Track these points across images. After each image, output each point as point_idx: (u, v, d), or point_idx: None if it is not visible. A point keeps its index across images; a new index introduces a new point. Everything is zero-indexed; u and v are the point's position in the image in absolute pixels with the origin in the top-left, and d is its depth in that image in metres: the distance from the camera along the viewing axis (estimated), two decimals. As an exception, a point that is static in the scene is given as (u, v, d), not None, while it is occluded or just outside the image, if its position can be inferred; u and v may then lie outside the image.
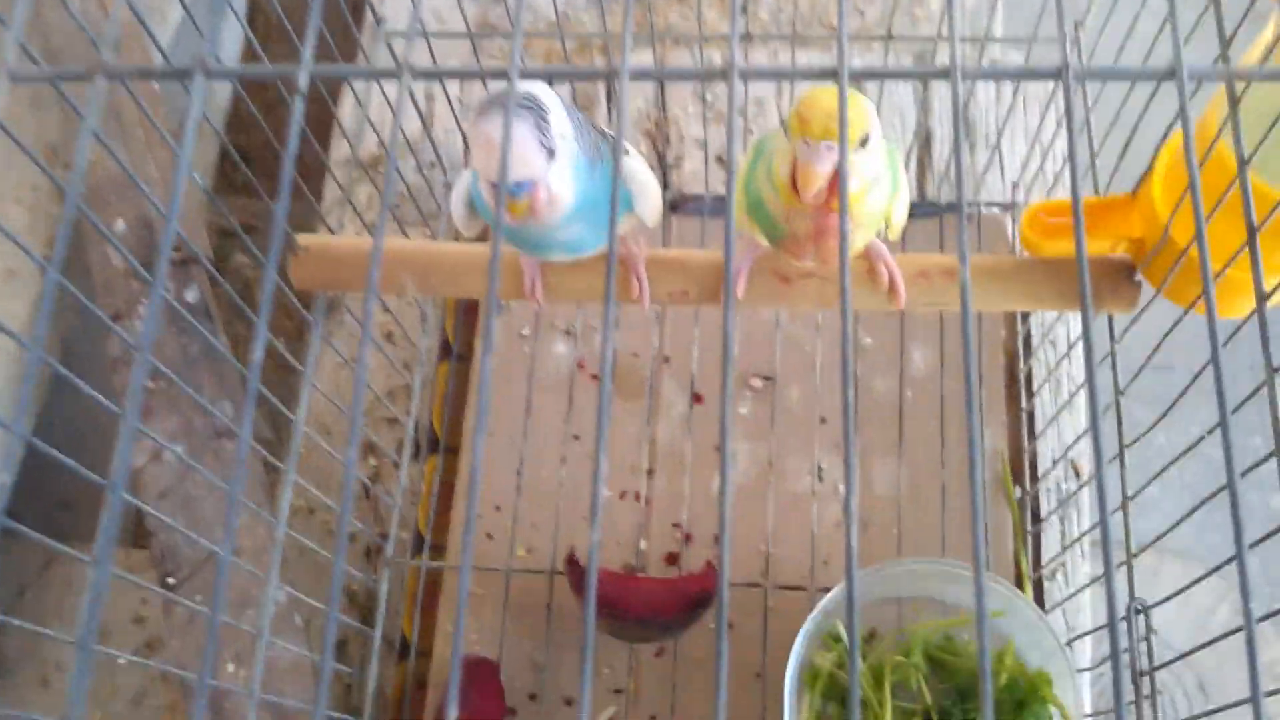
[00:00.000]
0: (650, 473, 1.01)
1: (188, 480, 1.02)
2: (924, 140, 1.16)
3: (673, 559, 0.98)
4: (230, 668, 0.97)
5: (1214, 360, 0.44)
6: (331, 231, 1.06)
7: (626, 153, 0.67)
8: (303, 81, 0.39)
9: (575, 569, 0.93)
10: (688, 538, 0.99)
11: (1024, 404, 1.00)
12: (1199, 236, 0.45)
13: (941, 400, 1.01)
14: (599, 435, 0.34)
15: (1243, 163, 0.54)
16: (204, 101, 0.39)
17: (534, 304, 0.76)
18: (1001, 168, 1.11)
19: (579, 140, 0.61)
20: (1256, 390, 0.53)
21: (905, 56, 1.22)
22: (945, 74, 0.37)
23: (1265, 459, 0.52)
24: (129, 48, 1.12)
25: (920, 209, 1.07)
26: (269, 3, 0.79)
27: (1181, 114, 0.37)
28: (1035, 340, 1.02)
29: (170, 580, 1.00)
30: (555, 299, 0.77)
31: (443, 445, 1.03)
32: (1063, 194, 1.01)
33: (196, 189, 1.39)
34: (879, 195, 0.62)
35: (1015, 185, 1.06)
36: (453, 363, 1.06)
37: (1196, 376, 0.61)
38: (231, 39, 1.51)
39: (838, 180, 0.58)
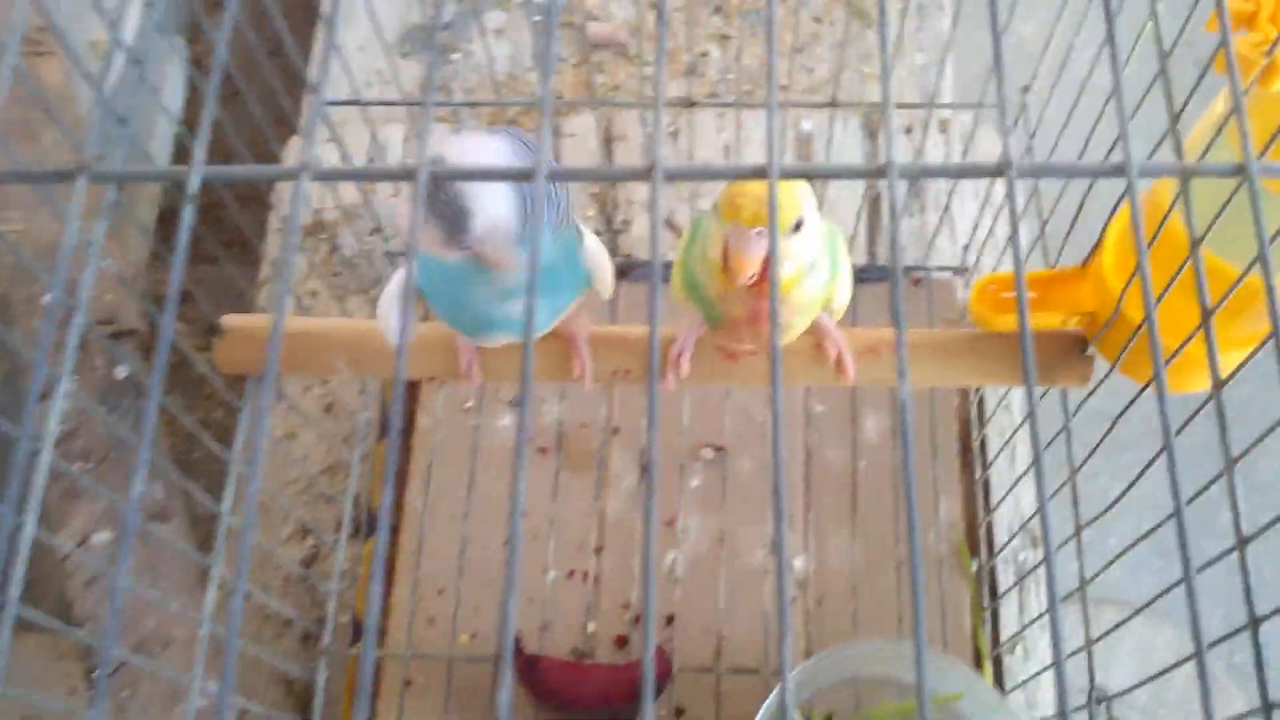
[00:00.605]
0: (599, 550, 0.98)
1: (118, 565, 0.98)
2: (873, 202, 1.14)
3: (622, 642, 0.95)
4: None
5: (1168, 451, 0.42)
6: (290, 301, 1.03)
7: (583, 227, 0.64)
8: (193, 185, 0.36)
9: (520, 657, 0.89)
10: (636, 619, 0.95)
11: (979, 473, 0.98)
12: (1149, 324, 0.43)
13: (896, 470, 0.98)
14: (513, 510, 0.31)
15: (1195, 244, 0.52)
16: (80, 204, 0.36)
17: (469, 385, 0.73)
18: (953, 230, 1.10)
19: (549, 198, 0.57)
20: (1213, 481, 0.51)
21: (854, 119, 1.21)
22: (882, 173, 0.35)
23: (1224, 553, 0.50)
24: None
25: (871, 272, 1.05)
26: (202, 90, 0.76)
27: (1133, 210, 0.35)
28: (990, 407, 1.00)
29: (94, 675, 0.95)
30: (492, 379, 0.74)
31: (383, 524, 0.99)
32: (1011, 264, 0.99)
33: (134, 259, 1.36)
34: (816, 279, 0.60)
35: (966, 248, 1.05)
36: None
37: (1149, 465, 0.59)
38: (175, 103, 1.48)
39: (767, 265, 0.56)
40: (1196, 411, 0.54)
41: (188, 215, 0.36)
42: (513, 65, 1.32)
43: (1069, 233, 0.77)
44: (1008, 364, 0.71)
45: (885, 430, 1.00)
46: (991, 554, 0.96)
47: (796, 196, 0.56)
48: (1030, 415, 0.34)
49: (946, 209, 0.99)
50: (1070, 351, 0.71)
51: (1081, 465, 0.70)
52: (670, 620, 0.95)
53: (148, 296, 1.34)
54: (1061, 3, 0.75)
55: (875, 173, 0.34)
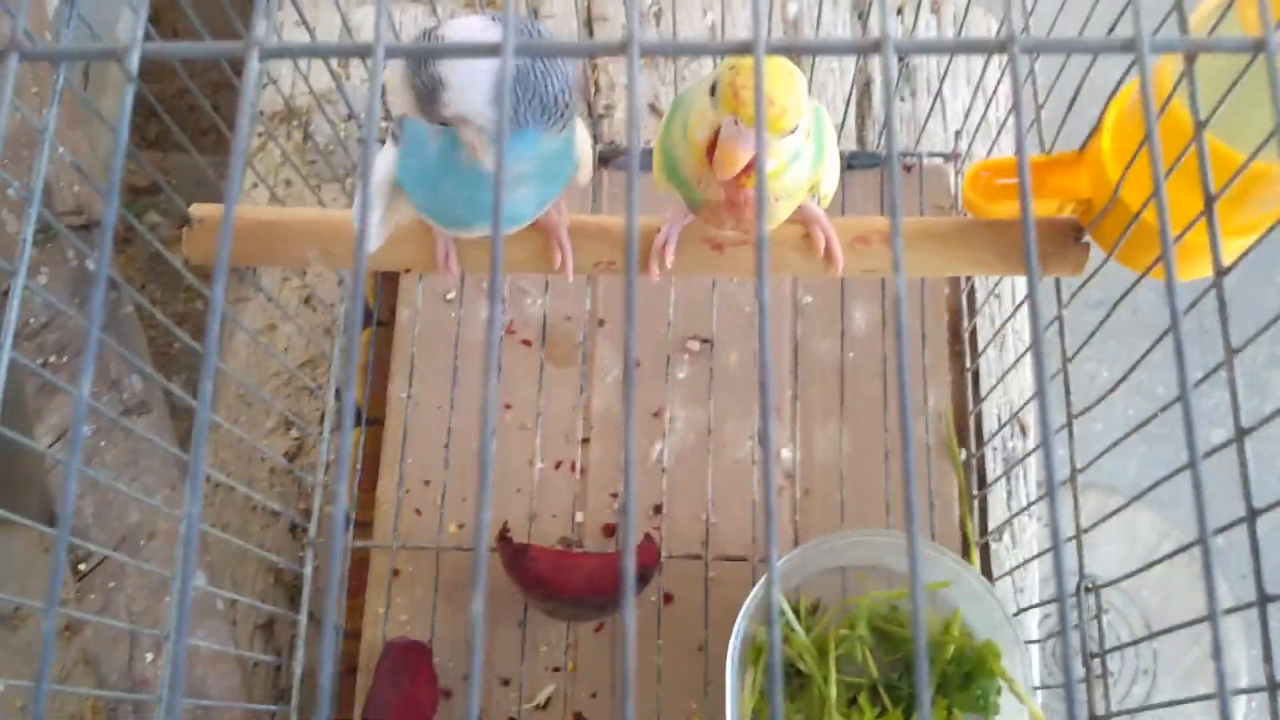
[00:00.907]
0: (585, 441, 0.97)
1: (96, 460, 0.97)
2: (863, 87, 1.11)
3: (610, 531, 0.95)
4: (149, 657, 0.93)
5: (1175, 334, 0.40)
6: (265, 185, 1.00)
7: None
8: (132, 64, 0.34)
9: (508, 546, 0.89)
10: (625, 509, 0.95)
11: (968, 363, 0.97)
12: (1160, 211, 0.41)
13: (884, 360, 0.97)
14: (485, 410, 0.29)
15: (1200, 127, 0.50)
16: (11, 83, 0.34)
17: (448, 275, 0.71)
18: (944, 115, 1.07)
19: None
20: (1217, 368, 0.50)
21: (843, 1, 1.17)
22: (876, 48, 0.33)
23: (1225, 444, 0.49)
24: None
25: (860, 159, 1.03)
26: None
27: (1143, 87, 0.33)
28: (980, 297, 0.98)
29: (81, 567, 0.95)
30: (470, 271, 0.72)
31: (365, 416, 0.98)
32: (1007, 148, 0.97)
33: (101, 147, 1.32)
34: (801, 165, 0.58)
35: (959, 134, 1.02)
36: (374, 329, 1.01)
37: (1151, 348, 0.58)
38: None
39: (754, 163, 0.54)
40: (1199, 299, 0.53)
41: (129, 95, 0.34)
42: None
43: (1066, 116, 0.75)
44: (1001, 252, 0.69)
45: (874, 321, 0.99)
46: (980, 443, 0.95)
47: (801, 98, 0.54)
48: (1030, 300, 0.32)
49: (939, 93, 0.96)
50: (1065, 239, 0.69)
51: (1075, 354, 0.69)
52: (658, 509, 0.95)
53: (124, 186, 1.31)
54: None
55: (869, 47, 0.32)
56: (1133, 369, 0.63)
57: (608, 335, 1.00)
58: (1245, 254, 0.60)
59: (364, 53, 0.35)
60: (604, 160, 1.06)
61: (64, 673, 1.15)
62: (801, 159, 0.57)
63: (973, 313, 0.98)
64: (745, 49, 0.34)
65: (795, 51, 0.34)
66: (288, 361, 1.06)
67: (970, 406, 0.96)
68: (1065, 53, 0.34)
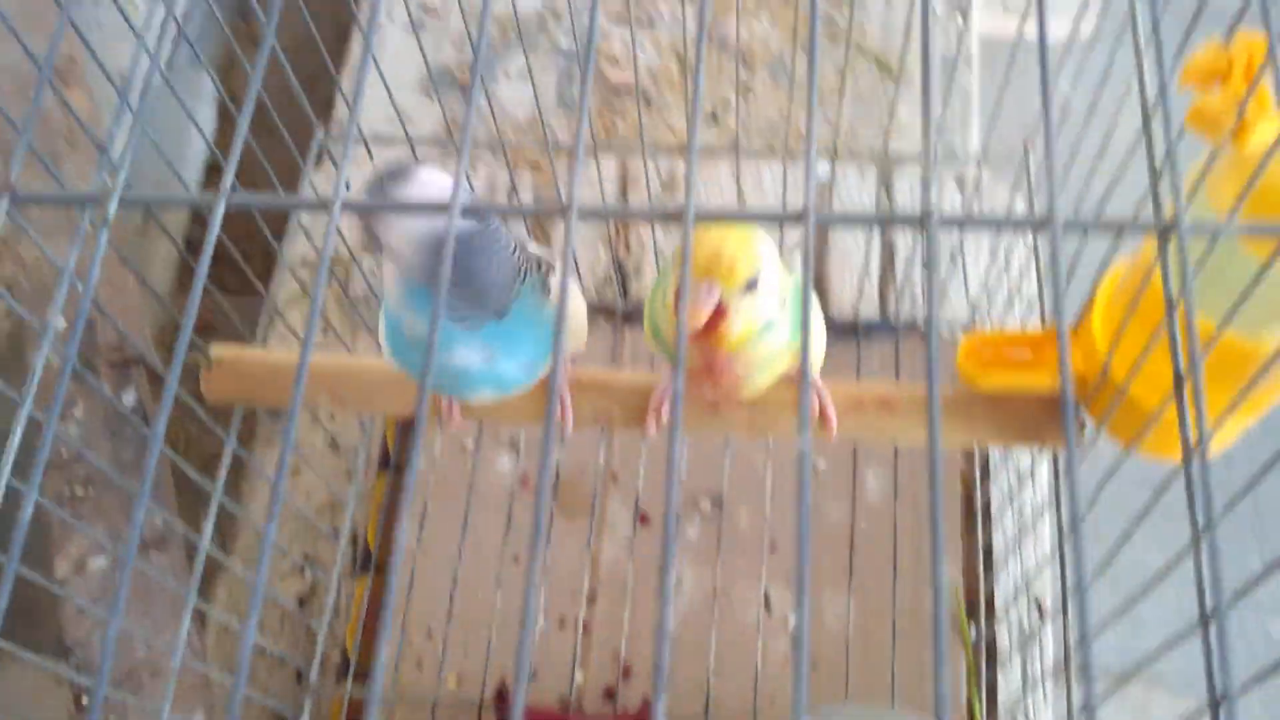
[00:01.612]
0: (591, 598, 0.97)
1: (110, 592, 0.98)
2: (887, 253, 1.13)
3: (610, 694, 0.93)
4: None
5: (1196, 542, 0.40)
6: (294, 334, 1.03)
7: (550, 266, 0.63)
8: (219, 210, 0.36)
9: (505, 706, 0.88)
10: (626, 671, 0.94)
11: (981, 536, 0.96)
12: (1178, 395, 0.42)
13: (895, 529, 0.96)
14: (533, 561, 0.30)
15: (1171, 306, 0.51)
16: (107, 226, 0.37)
17: (450, 428, 0.73)
18: (965, 281, 1.08)
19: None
20: (1183, 553, 0.49)
21: (870, 170, 1.20)
22: (920, 222, 0.34)
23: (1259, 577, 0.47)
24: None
25: (878, 328, 1.04)
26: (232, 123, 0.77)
27: (1183, 283, 0.34)
28: (994, 466, 0.98)
29: (84, 700, 0.95)
30: (472, 419, 0.74)
31: (374, 562, 0.99)
32: (1019, 319, 0.98)
33: (156, 283, 1.37)
34: (776, 337, 0.59)
35: (974, 307, 1.03)
36: (390, 474, 1.02)
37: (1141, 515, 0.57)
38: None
39: (719, 319, 0.56)
40: (1244, 492, 0.52)
41: (211, 237, 0.37)
42: (533, 109, 1.33)
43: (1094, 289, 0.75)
44: (995, 423, 0.69)
45: (887, 489, 0.98)
46: (992, 618, 0.93)
47: (753, 252, 0.55)
48: (1070, 480, 0.32)
49: (961, 257, 0.97)
50: (1059, 413, 0.69)
51: (1070, 530, 0.68)
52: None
53: (168, 328, 1.35)
54: (1072, 62, 0.74)
55: (914, 220, 0.34)
56: (1172, 566, 0.61)
57: (620, 490, 1.00)
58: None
59: (324, 206, 0.37)
60: (628, 319, 1.08)
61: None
62: (776, 329, 0.58)
63: (986, 483, 0.97)
64: (798, 217, 0.35)
65: (837, 221, 0.35)
66: (310, 503, 1.07)
67: (981, 580, 0.94)
68: (1104, 231, 0.35)
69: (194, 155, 1.48)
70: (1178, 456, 0.68)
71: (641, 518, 0.99)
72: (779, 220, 0.34)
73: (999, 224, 0.37)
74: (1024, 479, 1.00)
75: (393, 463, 1.03)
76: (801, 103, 1.27)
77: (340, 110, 1.28)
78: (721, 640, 0.94)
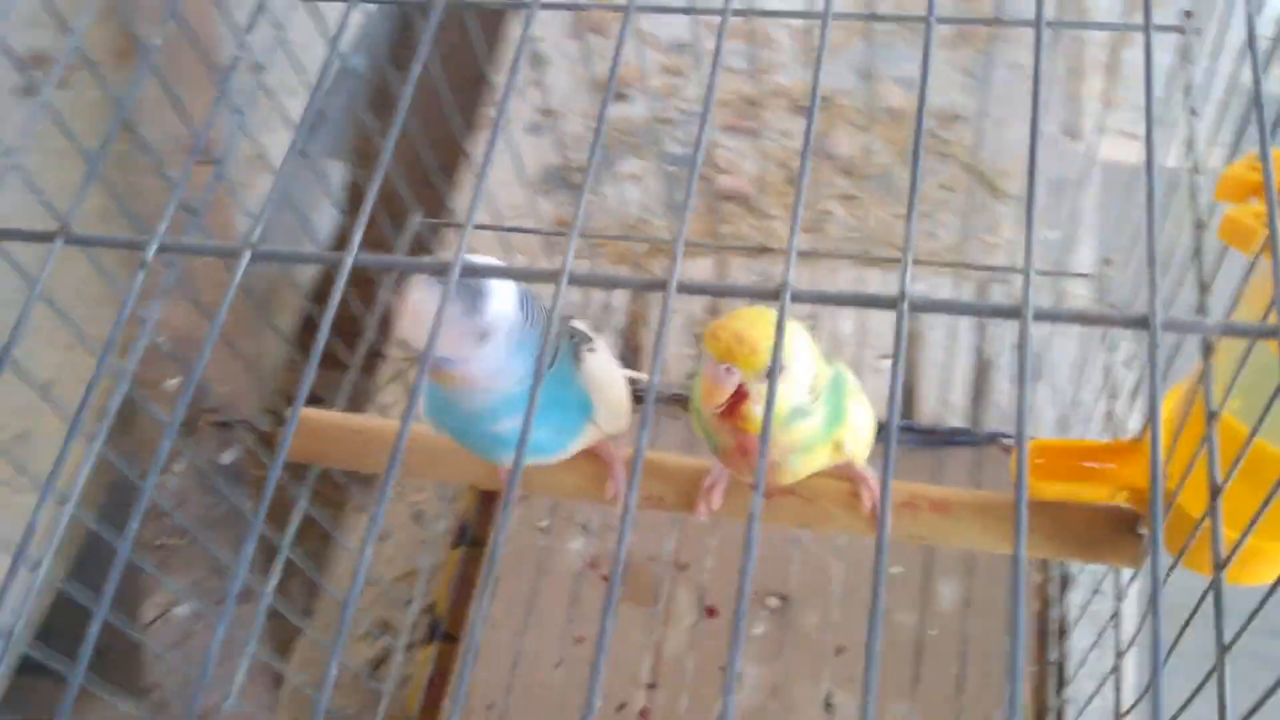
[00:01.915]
0: (651, 686, 0.96)
1: (189, 642, 1.02)
2: (981, 370, 1.12)
3: (660, 785, 0.92)
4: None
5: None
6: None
7: (591, 350, 0.65)
8: (346, 266, 0.40)
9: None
10: (679, 762, 0.93)
11: (1053, 654, 0.92)
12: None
13: (965, 641, 0.94)
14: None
15: (1210, 416, 0.50)
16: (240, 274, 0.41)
17: (508, 496, 0.75)
18: (1052, 395, 1.06)
19: (527, 321, 0.59)
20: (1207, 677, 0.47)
21: (968, 285, 1.19)
22: (1015, 313, 0.35)
23: None
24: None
25: (960, 437, 1.03)
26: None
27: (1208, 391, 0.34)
28: (1071, 578, 0.95)
29: (152, 744, 0.99)
30: (533, 492, 0.75)
31: (442, 632, 1.00)
32: (1086, 431, 0.95)
33: (268, 355, 1.44)
34: (808, 426, 0.59)
35: (1062, 418, 1.01)
36: (465, 547, 1.04)
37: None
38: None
39: (740, 402, 0.57)
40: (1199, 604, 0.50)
41: (339, 288, 0.39)
42: (642, 210, 1.37)
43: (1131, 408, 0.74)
44: (1049, 533, 0.68)
45: (959, 598, 0.96)
46: (1060, 743, 0.90)
47: (790, 348, 0.56)
48: (1153, 605, 0.32)
49: (1041, 375, 0.96)
50: (1118, 529, 0.67)
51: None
52: (713, 770, 0.92)
53: (279, 393, 1.41)
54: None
55: (1010, 310, 0.35)
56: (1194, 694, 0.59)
57: (688, 580, 1.00)
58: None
59: (442, 271, 0.39)
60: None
61: None
62: (810, 418, 0.59)
63: (1062, 601, 0.94)
64: (891, 304, 0.36)
65: (935, 310, 0.36)
66: (387, 574, 1.10)
67: (1050, 702, 0.91)
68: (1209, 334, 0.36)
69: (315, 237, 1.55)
70: (1254, 580, 0.66)
71: (708, 610, 0.99)
72: (873, 304, 0.36)
73: (1096, 320, 0.38)
74: (1103, 595, 0.97)
75: (469, 537, 1.05)
76: (903, 216, 1.27)
77: (452, 199, 1.33)
78: (777, 741, 0.92)
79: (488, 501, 1.06)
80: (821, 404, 0.59)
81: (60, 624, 1.14)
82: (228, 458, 1.11)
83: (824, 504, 0.71)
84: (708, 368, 0.56)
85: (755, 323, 0.56)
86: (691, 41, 1.51)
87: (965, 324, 1.17)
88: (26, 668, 1.06)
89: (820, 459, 0.62)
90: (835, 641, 0.96)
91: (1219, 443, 0.60)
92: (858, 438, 0.63)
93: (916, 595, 0.97)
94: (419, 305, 0.55)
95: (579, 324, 0.67)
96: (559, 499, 1.01)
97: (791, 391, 0.57)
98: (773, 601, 0.98)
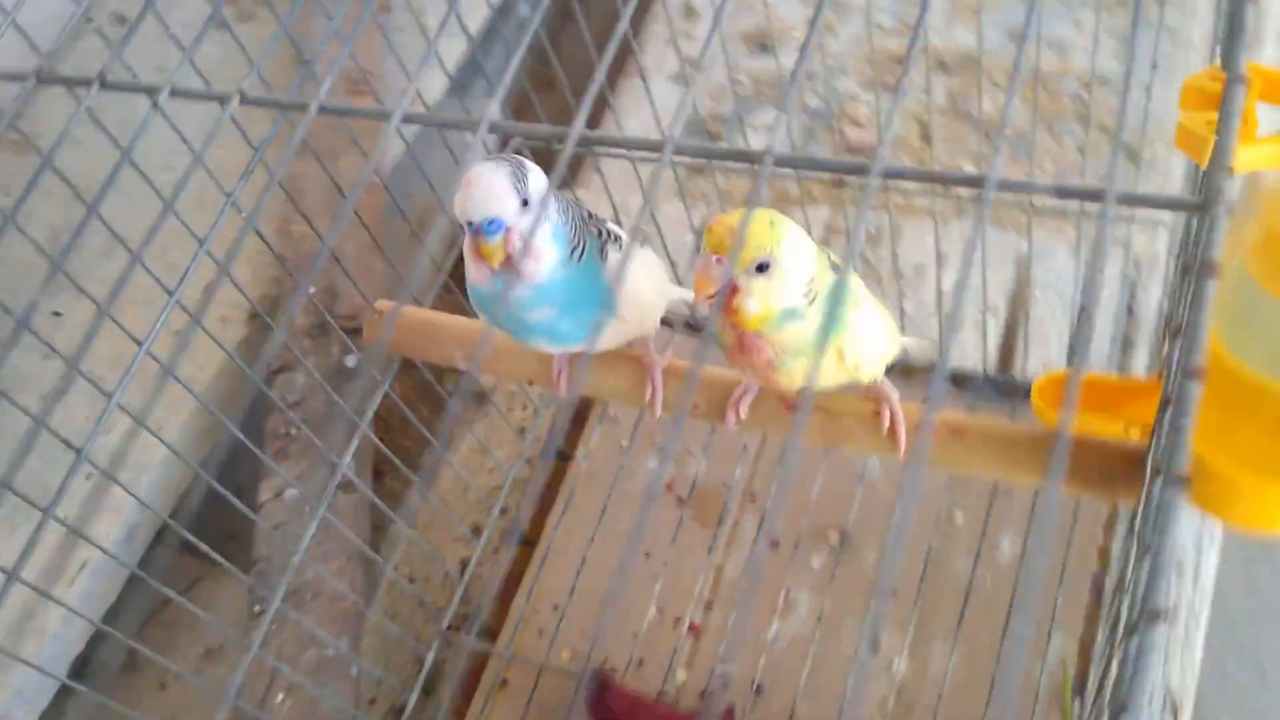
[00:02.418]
0: (709, 605, 1.00)
1: (297, 521, 1.11)
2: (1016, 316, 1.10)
3: (703, 696, 0.96)
4: (280, 697, 1.04)
5: None
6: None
7: (617, 248, 0.69)
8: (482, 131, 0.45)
9: (593, 682, 0.93)
10: (725, 683, 0.96)
11: (1109, 612, 0.92)
12: None
13: (1014, 593, 0.94)
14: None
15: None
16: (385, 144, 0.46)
17: (559, 391, 0.80)
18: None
19: (560, 214, 0.64)
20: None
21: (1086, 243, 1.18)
22: (863, 169, 0.38)
23: None
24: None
25: (995, 385, 1.02)
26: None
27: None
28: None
29: (257, 608, 1.08)
30: (579, 393, 0.80)
31: (519, 536, 1.07)
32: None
33: (416, 276, 1.53)
34: (801, 329, 0.61)
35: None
36: (547, 460, 1.10)
37: None
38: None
39: (732, 298, 0.59)
40: None
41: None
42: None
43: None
44: (1071, 468, 0.68)
45: (1016, 552, 0.96)
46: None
47: (771, 235, 0.59)
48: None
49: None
50: (1133, 467, 0.67)
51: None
52: (759, 690, 0.95)
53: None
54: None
55: (858, 169, 0.38)
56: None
57: (755, 510, 1.03)
58: None
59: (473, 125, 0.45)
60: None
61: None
62: (803, 320, 0.61)
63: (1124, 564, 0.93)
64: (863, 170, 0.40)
65: (913, 176, 0.40)
66: (492, 480, 1.17)
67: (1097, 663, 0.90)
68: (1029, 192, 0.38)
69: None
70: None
71: (772, 542, 1.02)
72: (956, 182, 0.39)
73: (939, 177, 0.40)
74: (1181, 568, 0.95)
75: (556, 450, 1.11)
76: (1039, 175, 1.26)
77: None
78: (819, 669, 0.95)
79: (577, 417, 1.11)
80: (816, 309, 0.61)
81: (187, 503, 1.26)
82: (351, 361, 1.20)
83: (846, 421, 0.73)
84: (701, 260, 0.59)
85: (753, 220, 0.59)
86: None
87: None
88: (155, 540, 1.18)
89: (829, 371, 0.65)
90: (893, 583, 0.98)
91: (1223, 384, 0.60)
92: (861, 347, 0.65)
93: (975, 542, 0.97)
94: (477, 174, 0.61)
95: (613, 227, 0.71)
96: (614, 403, 1.06)
97: (782, 290, 0.60)
98: (833, 536, 1.01)
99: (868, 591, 0.98)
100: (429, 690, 1.03)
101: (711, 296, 0.59)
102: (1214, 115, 0.45)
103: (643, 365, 0.78)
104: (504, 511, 1.10)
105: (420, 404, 1.54)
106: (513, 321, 0.69)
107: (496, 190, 0.61)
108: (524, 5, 1.69)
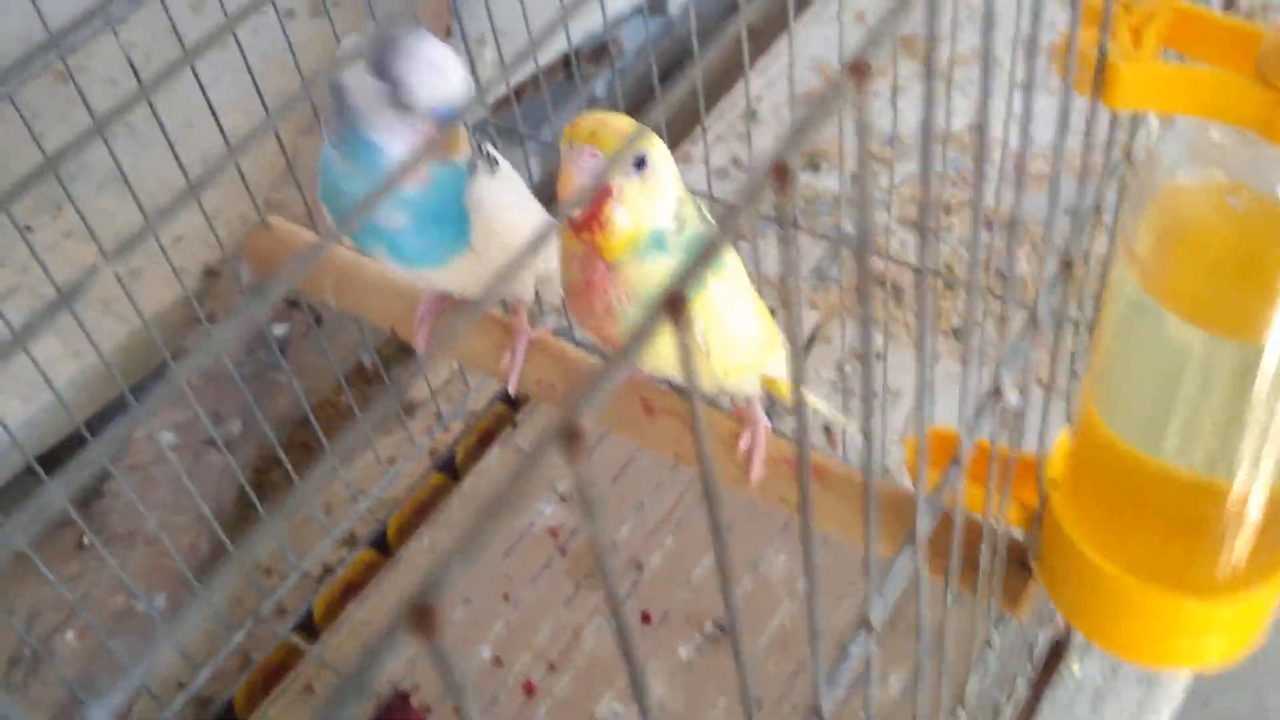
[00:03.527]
0: (551, 667, 0.89)
1: (161, 465, 1.02)
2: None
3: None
4: (69, 634, 0.93)
5: None
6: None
7: (490, 173, 0.62)
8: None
9: (385, 705, 0.83)
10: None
11: None
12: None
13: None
14: None
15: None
16: None
17: (416, 340, 0.71)
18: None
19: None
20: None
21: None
22: None
23: None
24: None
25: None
26: None
27: None
28: None
29: (87, 540, 0.99)
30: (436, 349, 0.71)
31: (374, 541, 0.97)
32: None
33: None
34: (661, 261, 0.52)
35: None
36: (431, 470, 1.01)
37: None
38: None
39: (601, 208, 0.51)
40: None
41: None
42: (783, 267, 1.32)
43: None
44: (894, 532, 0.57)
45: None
46: None
47: (643, 134, 0.50)
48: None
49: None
50: (1006, 560, 0.56)
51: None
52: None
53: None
54: None
55: None
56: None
57: (635, 576, 0.92)
58: None
59: None
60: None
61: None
62: (666, 254, 0.52)
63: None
64: None
65: None
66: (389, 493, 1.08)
67: None
68: None
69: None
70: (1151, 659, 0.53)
71: (643, 616, 0.91)
72: None
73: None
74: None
75: (454, 467, 1.01)
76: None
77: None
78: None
79: (484, 440, 1.02)
80: (684, 245, 0.53)
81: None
82: (279, 330, 1.13)
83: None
84: (567, 154, 0.51)
85: (617, 117, 0.51)
86: (904, 138, 1.47)
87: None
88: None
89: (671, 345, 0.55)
90: (764, 684, 0.85)
91: (1107, 458, 0.50)
92: (717, 325, 0.55)
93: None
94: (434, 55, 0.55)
95: (492, 150, 0.64)
96: (521, 430, 0.97)
97: (658, 200, 0.51)
98: (708, 626, 0.89)
99: (730, 697, 0.86)
100: (240, 671, 0.92)
101: (579, 200, 0.50)
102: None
103: (510, 333, 0.69)
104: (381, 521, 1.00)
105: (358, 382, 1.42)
106: (362, 220, 0.61)
107: (459, 72, 0.55)
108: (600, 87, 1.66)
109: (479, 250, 0.62)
